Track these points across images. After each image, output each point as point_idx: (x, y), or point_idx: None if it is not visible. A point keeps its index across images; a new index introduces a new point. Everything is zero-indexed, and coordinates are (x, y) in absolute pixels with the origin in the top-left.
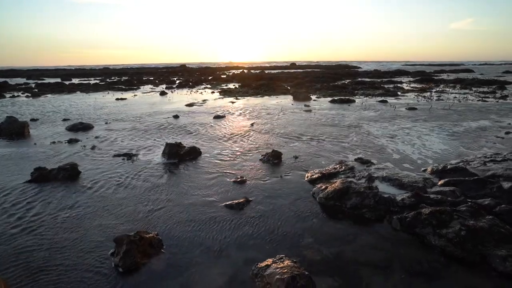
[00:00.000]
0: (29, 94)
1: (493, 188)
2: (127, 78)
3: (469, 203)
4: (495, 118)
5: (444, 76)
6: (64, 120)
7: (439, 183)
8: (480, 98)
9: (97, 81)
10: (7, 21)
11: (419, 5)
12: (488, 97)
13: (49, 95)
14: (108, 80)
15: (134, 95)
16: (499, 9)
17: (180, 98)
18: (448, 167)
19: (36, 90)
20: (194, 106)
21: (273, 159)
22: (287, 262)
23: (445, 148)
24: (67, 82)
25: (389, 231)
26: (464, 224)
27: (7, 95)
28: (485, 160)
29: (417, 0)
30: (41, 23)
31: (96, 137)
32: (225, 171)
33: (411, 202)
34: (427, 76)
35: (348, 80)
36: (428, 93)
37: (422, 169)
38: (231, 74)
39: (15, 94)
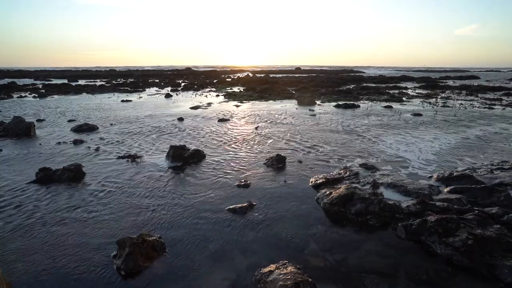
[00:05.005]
0: (36, 95)
1: (501, 196)
2: (132, 80)
3: (476, 211)
4: (502, 125)
5: (450, 82)
6: (70, 121)
7: (445, 190)
8: (486, 105)
9: (103, 83)
10: (15, 23)
11: (423, 11)
12: (494, 104)
13: (55, 96)
14: (114, 81)
15: (140, 97)
16: (504, 14)
17: (185, 100)
18: (454, 174)
19: (43, 90)
20: (199, 109)
21: (277, 163)
22: (290, 268)
23: (451, 155)
24: (73, 83)
25: (394, 239)
26: (471, 233)
27: (15, 95)
28: (492, 168)
29: (421, 6)
30: (49, 25)
31: (101, 139)
32: (228, 174)
33: (416, 209)
34: (432, 82)
35: (353, 85)
36: (434, 99)
37: (428, 176)
38: (236, 77)
39: (23, 94)
